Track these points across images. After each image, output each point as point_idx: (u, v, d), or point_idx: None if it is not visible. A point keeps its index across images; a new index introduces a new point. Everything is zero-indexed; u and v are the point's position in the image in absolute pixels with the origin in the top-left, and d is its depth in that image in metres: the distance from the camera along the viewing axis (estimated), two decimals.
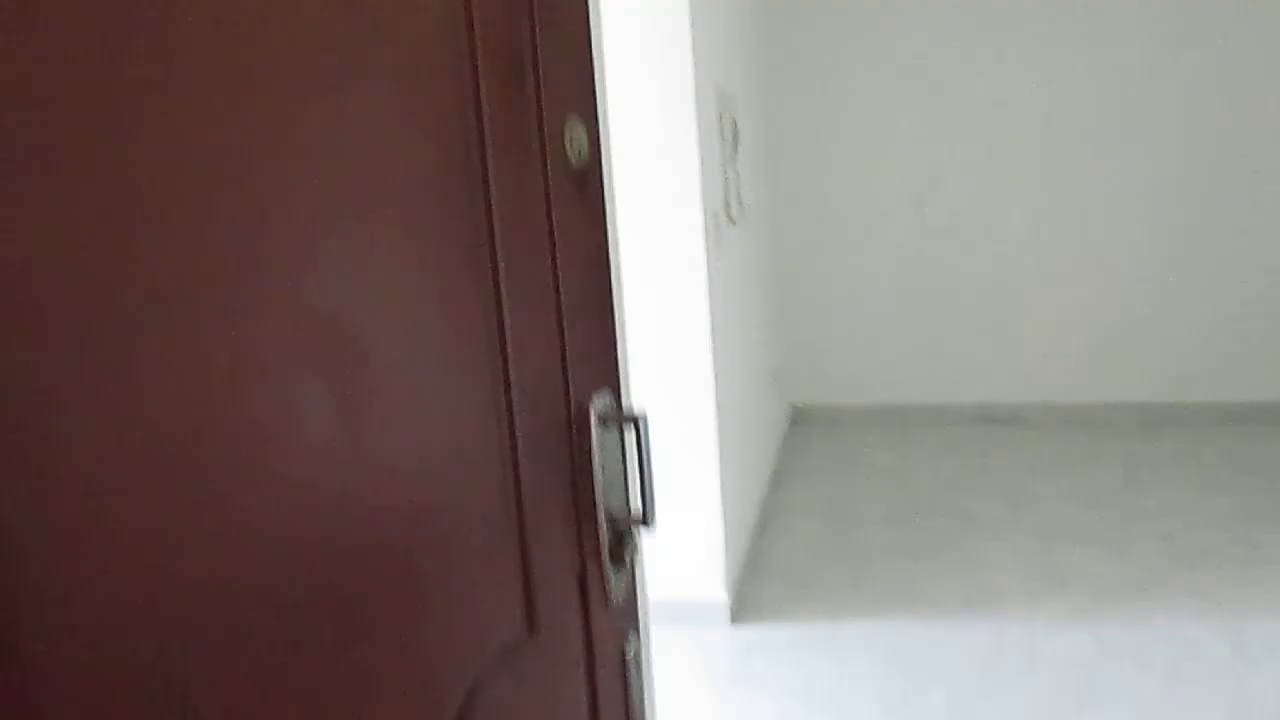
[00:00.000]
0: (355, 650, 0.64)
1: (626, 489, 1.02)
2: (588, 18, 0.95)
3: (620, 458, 1.01)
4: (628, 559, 1.01)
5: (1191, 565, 3.39)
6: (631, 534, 1.01)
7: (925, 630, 3.08)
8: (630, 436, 1.02)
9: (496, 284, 0.81)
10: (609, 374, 1.01)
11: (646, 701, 1.32)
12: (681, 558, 3.11)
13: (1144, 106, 4.70)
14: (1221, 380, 4.85)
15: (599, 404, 0.97)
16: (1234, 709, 2.60)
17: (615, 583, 0.98)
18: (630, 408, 1.09)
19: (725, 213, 3.28)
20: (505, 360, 0.83)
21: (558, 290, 0.90)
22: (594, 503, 0.95)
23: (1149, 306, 4.87)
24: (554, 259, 0.90)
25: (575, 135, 0.94)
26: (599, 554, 0.96)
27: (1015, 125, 4.83)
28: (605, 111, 1.22)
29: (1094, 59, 4.71)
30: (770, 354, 4.66)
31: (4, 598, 0.40)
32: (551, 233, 0.90)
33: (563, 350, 0.91)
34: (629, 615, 1.08)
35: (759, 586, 3.42)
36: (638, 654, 1.10)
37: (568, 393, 0.93)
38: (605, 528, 0.97)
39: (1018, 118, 4.82)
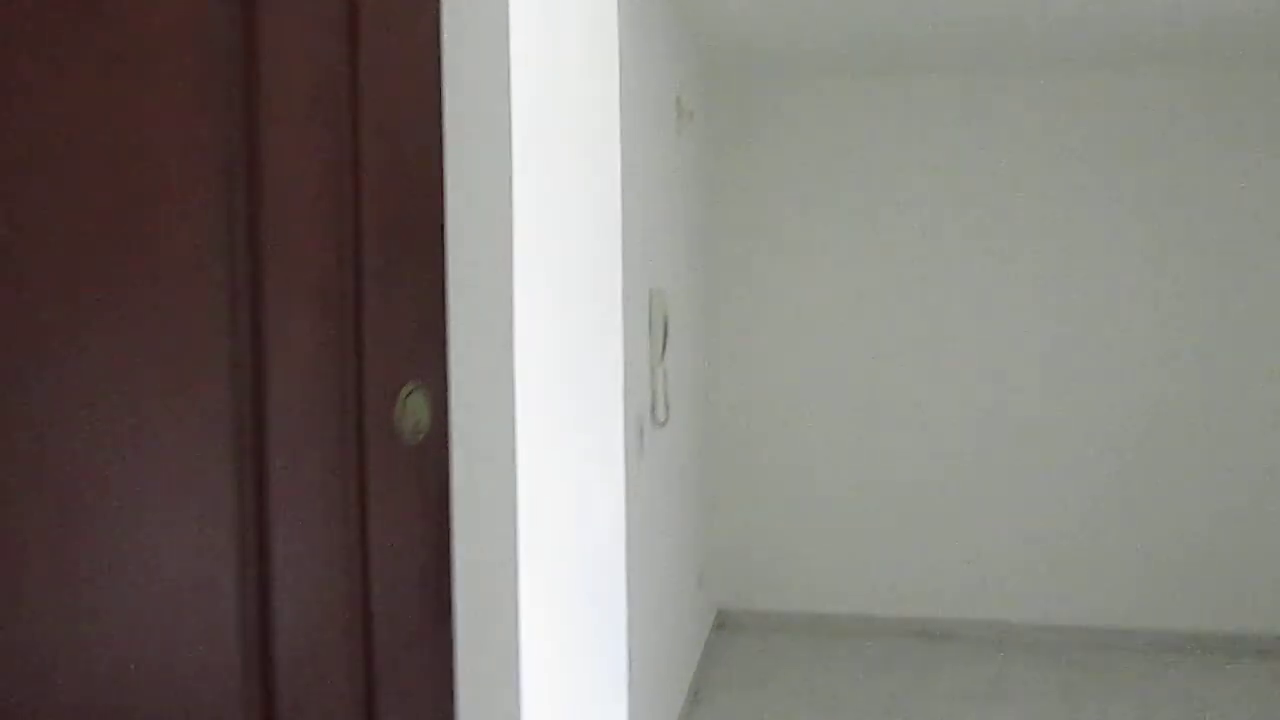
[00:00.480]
0: None
1: None
2: (441, 271, 0.76)
3: None
4: None
5: None
6: None
7: None
8: None
9: (263, 602, 0.59)
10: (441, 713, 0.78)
11: None
12: None
13: (1106, 323, 4.69)
14: (1165, 607, 4.68)
15: None
16: None
17: None
18: None
19: (651, 416, 3.10)
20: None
21: (367, 607, 0.68)
22: None
23: (1096, 526, 4.73)
24: (365, 567, 0.68)
25: (413, 406, 0.74)
26: None
27: (960, 332, 4.78)
28: (509, 351, 1.02)
29: (1050, 278, 4.72)
30: (697, 556, 4.41)
31: None
32: (364, 532, 0.68)
33: (369, 697, 0.68)
34: None
35: None
36: None
37: None
38: None
39: (963, 324, 4.78)
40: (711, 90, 4.84)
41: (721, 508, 4.98)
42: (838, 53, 4.34)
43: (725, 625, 5.00)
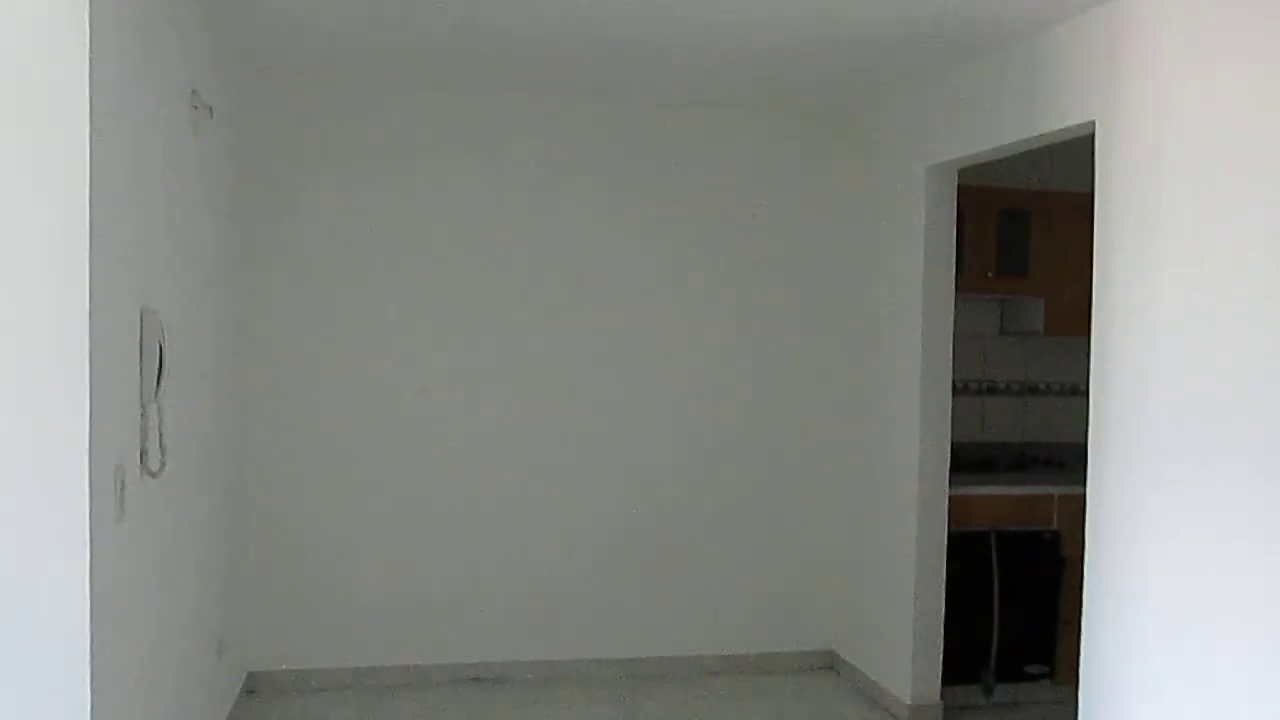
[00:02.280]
0: None
1: None
2: None
3: None
4: None
5: None
6: None
7: None
8: None
9: None
10: None
11: None
12: None
13: (627, 359, 4.73)
14: (701, 634, 4.82)
15: None
16: None
17: None
18: None
19: (141, 464, 2.57)
20: None
21: None
22: None
23: (635, 563, 4.76)
24: None
25: None
26: None
27: (500, 369, 4.63)
28: None
29: (595, 311, 4.69)
30: (219, 618, 3.85)
31: None
32: None
33: None
34: None
35: None
36: None
37: None
38: None
39: (502, 359, 4.63)
40: (242, 89, 4.30)
41: (251, 563, 4.42)
42: (384, 62, 4.02)
43: (258, 690, 4.44)
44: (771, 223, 4.82)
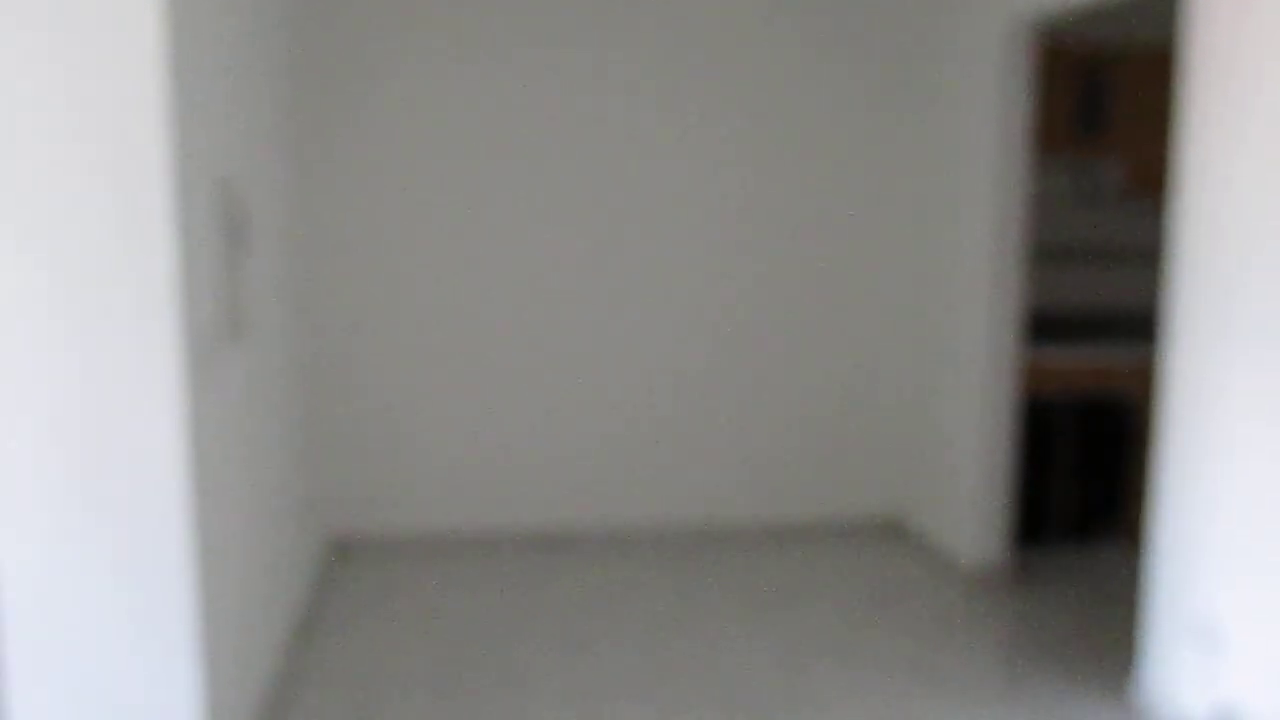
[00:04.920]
0: None
1: None
2: None
3: None
4: None
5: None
6: None
7: None
8: None
9: None
10: None
11: None
12: None
13: (693, 221, 4.71)
14: (766, 501, 4.91)
15: None
16: None
17: None
18: None
19: (225, 328, 2.67)
20: None
21: None
22: None
23: (703, 429, 4.84)
24: None
25: None
26: None
27: (559, 237, 4.65)
28: None
29: (645, 177, 4.67)
30: (303, 482, 4.02)
31: None
32: None
33: None
34: None
35: None
36: None
37: None
38: None
39: (562, 225, 4.64)
40: None
41: (336, 429, 4.59)
42: None
43: (345, 554, 4.66)
44: (839, 78, 4.71)
